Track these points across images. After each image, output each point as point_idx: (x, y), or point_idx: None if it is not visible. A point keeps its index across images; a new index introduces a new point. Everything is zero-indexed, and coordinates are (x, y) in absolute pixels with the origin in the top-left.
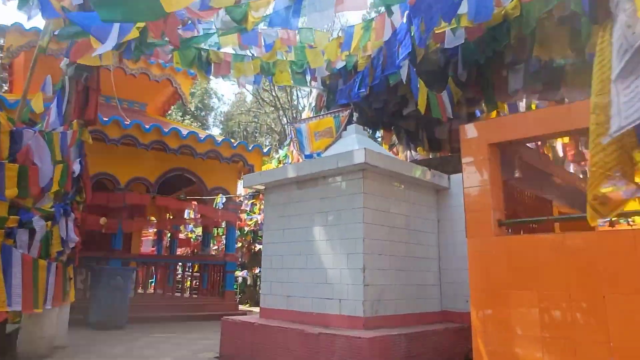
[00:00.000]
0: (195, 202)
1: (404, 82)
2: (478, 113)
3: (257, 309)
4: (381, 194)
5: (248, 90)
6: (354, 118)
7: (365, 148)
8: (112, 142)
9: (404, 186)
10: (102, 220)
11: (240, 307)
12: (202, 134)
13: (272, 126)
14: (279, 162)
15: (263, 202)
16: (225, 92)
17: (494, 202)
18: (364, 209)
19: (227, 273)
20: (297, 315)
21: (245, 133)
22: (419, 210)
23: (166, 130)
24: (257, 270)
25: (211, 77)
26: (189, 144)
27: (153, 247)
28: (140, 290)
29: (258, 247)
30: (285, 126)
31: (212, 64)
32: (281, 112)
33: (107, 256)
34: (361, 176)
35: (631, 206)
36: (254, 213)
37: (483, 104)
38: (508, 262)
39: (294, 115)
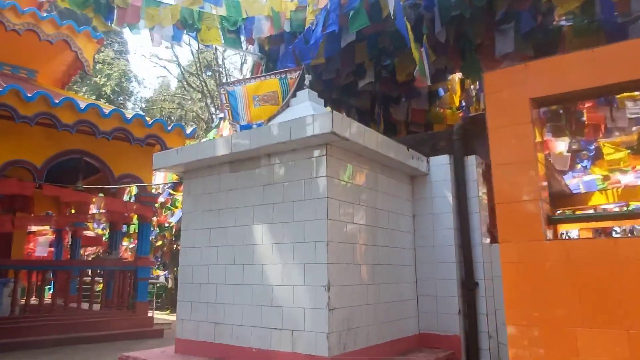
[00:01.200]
0: (98, 194)
1: (392, 16)
2: (441, 91)
3: (174, 317)
4: (349, 179)
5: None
6: (307, 82)
7: (332, 112)
8: None
9: (375, 170)
10: None
11: (159, 315)
12: (106, 109)
13: (199, 114)
14: None
15: (182, 192)
16: (147, 75)
17: (541, 188)
18: (328, 199)
19: (140, 280)
20: (230, 351)
21: (169, 122)
22: (393, 203)
23: (57, 100)
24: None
25: (114, 26)
26: (89, 119)
27: (51, 247)
28: (23, 304)
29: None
30: (214, 115)
31: (116, 9)
32: (209, 100)
33: None
34: (324, 153)
35: None
36: (176, 208)
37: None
38: (572, 281)
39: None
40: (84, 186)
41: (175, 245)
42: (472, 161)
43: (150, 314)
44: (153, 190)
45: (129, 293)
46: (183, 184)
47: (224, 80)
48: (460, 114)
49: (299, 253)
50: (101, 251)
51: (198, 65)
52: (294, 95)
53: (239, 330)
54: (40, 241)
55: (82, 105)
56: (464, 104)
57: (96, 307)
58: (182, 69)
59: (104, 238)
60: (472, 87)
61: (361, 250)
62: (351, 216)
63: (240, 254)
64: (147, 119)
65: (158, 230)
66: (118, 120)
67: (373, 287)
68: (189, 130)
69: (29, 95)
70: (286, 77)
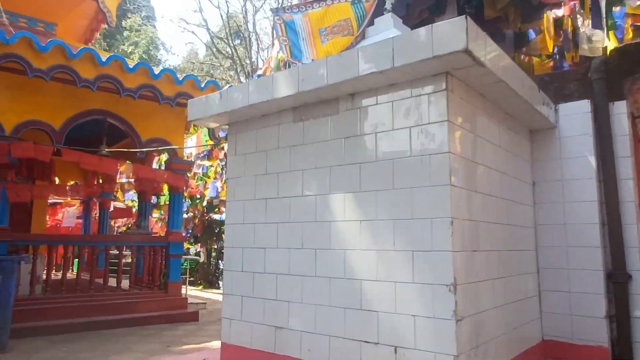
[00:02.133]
0: (125, 162)
1: None
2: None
3: (213, 294)
4: (472, 129)
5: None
6: (388, 5)
7: (466, 18)
8: None
9: (497, 119)
10: None
11: (192, 292)
12: (131, 63)
13: (229, 82)
14: None
15: (227, 151)
16: (175, 42)
17: None
18: (450, 155)
19: (172, 257)
20: None
21: None
22: (514, 165)
23: (75, 51)
24: (215, 246)
25: None
26: (112, 73)
27: (79, 219)
28: (44, 283)
29: (215, 217)
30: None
31: None
32: (239, 68)
33: None
34: (443, 87)
35: None
36: (209, 178)
37: None
38: None
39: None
40: (108, 150)
41: (207, 217)
42: (620, 108)
43: (183, 294)
44: (185, 157)
45: (160, 271)
46: (228, 141)
47: (253, 45)
48: (550, 64)
49: (403, 234)
50: (131, 223)
51: (228, 29)
52: (370, 23)
53: (310, 339)
54: (68, 212)
55: (104, 57)
56: (556, 50)
57: (124, 284)
58: (211, 34)
59: (133, 209)
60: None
61: (487, 231)
62: (476, 182)
63: (310, 234)
64: (178, 75)
65: (189, 202)
66: (144, 75)
67: (500, 283)
68: (226, 87)
69: (43, 44)
70: (360, 0)
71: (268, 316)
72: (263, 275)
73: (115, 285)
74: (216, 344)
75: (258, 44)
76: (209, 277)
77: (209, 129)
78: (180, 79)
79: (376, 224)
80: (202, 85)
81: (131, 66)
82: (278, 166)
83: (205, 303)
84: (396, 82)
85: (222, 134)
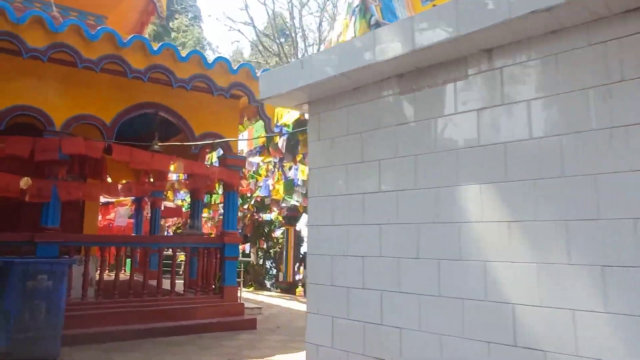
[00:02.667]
0: (176, 157)
1: None
2: None
3: (265, 296)
4: None
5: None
6: None
7: None
8: (33, 55)
9: None
10: (24, 181)
11: (243, 292)
12: (183, 52)
13: None
14: None
15: (308, 135)
16: (221, 42)
17: None
18: None
19: (227, 260)
20: None
21: None
22: None
23: (125, 40)
24: (264, 246)
25: None
26: (163, 63)
27: (131, 218)
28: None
29: (265, 216)
30: None
31: None
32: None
33: (33, 239)
34: None
35: None
36: (260, 176)
37: None
38: None
39: None
40: (160, 144)
41: (257, 217)
42: None
43: (240, 299)
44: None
45: (215, 274)
46: (309, 123)
47: (299, 44)
48: None
49: (584, 242)
50: (181, 222)
51: (274, 26)
52: None
53: None
54: (120, 212)
55: (155, 46)
56: None
57: (178, 287)
58: (257, 31)
59: (183, 209)
60: None
61: None
62: None
63: (430, 239)
64: (232, 63)
65: (240, 201)
66: (197, 64)
67: None
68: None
69: (92, 32)
70: None
71: (371, 346)
72: (362, 291)
73: (168, 288)
74: (280, 359)
75: (305, 40)
76: (259, 278)
77: (265, 121)
78: (235, 67)
79: (535, 226)
80: (258, 75)
81: (183, 55)
82: (379, 152)
83: (260, 308)
84: (564, 27)
85: (276, 129)
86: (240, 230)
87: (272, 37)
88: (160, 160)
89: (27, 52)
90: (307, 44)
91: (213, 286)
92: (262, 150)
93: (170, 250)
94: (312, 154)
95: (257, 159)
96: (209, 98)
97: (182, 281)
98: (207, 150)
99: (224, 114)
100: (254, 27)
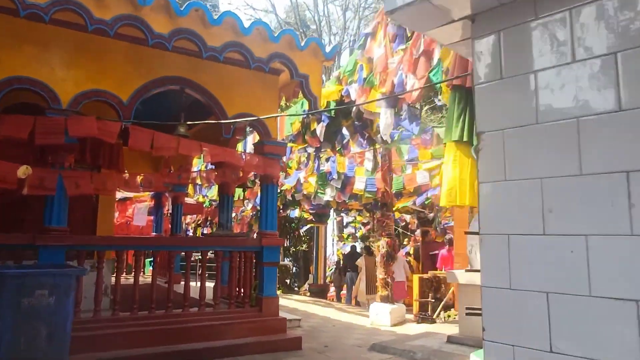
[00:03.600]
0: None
1: None
2: None
3: (295, 302)
4: None
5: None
6: None
7: None
8: (31, 15)
9: None
10: (22, 170)
11: None
12: (214, 13)
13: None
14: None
15: (474, 76)
16: None
17: None
18: None
19: (265, 266)
20: None
21: None
22: None
23: None
24: (293, 247)
25: None
26: (191, 28)
27: (150, 215)
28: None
29: (288, 213)
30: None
31: None
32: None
33: (34, 242)
34: None
35: None
36: (291, 169)
37: None
38: None
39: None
40: (190, 122)
41: (284, 214)
42: None
43: (280, 313)
44: (289, 131)
45: (251, 283)
46: (475, 52)
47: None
48: None
49: None
50: (201, 220)
51: (297, 13)
52: None
53: None
54: (139, 209)
55: (181, 6)
56: None
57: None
58: (279, 20)
59: (204, 206)
60: None
61: None
62: None
63: None
64: (272, 29)
65: None
66: (231, 29)
67: None
68: (328, 48)
69: None
70: None
71: None
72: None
73: (197, 297)
74: None
75: (329, 27)
76: (285, 280)
77: (310, 100)
78: (276, 34)
79: None
80: (302, 44)
81: (215, 17)
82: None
83: (299, 320)
84: None
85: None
86: None
87: (295, 26)
88: (188, 146)
89: (24, 9)
90: (331, 32)
91: (249, 298)
92: (296, 138)
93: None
94: (485, 106)
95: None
96: (244, 73)
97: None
98: (238, 138)
99: (262, 92)
100: (276, 14)
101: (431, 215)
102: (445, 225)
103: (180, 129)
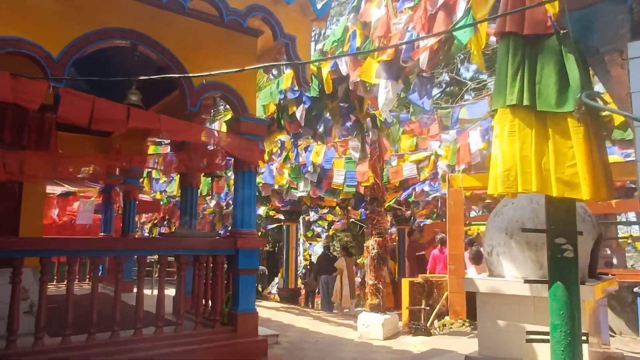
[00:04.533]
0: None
1: None
2: None
3: (264, 308)
4: None
5: None
6: None
7: None
8: None
9: None
10: None
11: None
12: None
13: None
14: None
15: None
16: None
17: None
18: None
19: (241, 274)
20: None
21: None
22: None
23: None
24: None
25: None
26: None
27: (99, 213)
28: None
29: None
30: None
31: None
32: None
33: None
34: None
35: None
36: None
37: None
38: None
39: None
40: (141, 78)
41: None
42: None
43: (259, 331)
44: (261, 114)
45: (223, 296)
46: None
47: None
48: None
49: None
50: (157, 219)
51: None
52: None
53: None
54: (84, 205)
55: None
56: None
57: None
58: None
59: (162, 203)
60: None
61: None
62: None
63: None
64: None
65: (227, 190)
66: None
67: None
68: (319, 4)
69: None
70: None
71: None
72: None
73: (154, 312)
74: None
75: None
76: (257, 284)
77: (297, 69)
78: None
79: None
80: None
81: None
82: None
83: (277, 335)
84: None
85: (292, 95)
86: (229, 228)
87: None
88: (141, 118)
89: None
90: None
91: (220, 314)
92: (271, 123)
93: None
94: None
95: None
96: (215, 31)
97: (174, 303)
98: (204, 117)
99: (236, 57)
100: None
101: (408, 212)
102: (422, 224)
103: (132, 98)
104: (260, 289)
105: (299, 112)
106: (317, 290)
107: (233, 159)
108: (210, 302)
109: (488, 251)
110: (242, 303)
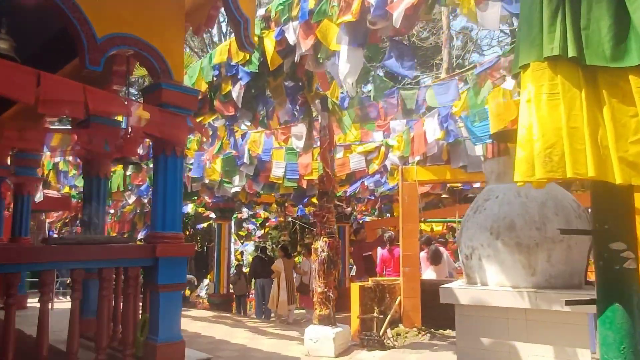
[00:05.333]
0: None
1: None
2: None
3: (190, 319)
4: None
5: None
6: None
7: None
8: None
9: None
10: None
11: None
12: None
13: None
14: None
15: None
16: None
17: None
18: None
19: (162, 291)
20: None
21: None
22: None
23: None
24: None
25: None
26: None
27: None
28: None
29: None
30: None
31: None
32: None
33: None
34: None
35: None
36: (189, 150)
37: None
38: None
39: None
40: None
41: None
42: None
43: (186, 354)
44: (189, 82)
45: (136, 320)
46: None
47: None
48: None
49: None
50: (69, 218)
51: None
52: None
53: None
54: None
55: None
56: None
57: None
58: None
59: (72, 198)
60: None
61: None
62: None
63: None
64: None
65: (148, 184)
66: None
67: None
68: None
69: None
70: None
71: None
72: None
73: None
74: None
75: None
76: (188, 297)
77: (240, 24)
78: None
79: None
80: None
81: None
82: None
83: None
84: None
85: (229, 69)
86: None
87: None
88: (22, 77)
89: None
90: None
91: (133, 345)
92: (202, 106)
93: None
94: None
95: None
96: None
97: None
98: (117, 89)
99: (157, 8)
100: None
101: (349, 209)
102: (361, 221)
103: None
104: (187, 292)
105: (236, 91)
106: (247, 294)
107: (152, 141)
108: (120, 328)
109: (466, 254)
110: (164, 330)
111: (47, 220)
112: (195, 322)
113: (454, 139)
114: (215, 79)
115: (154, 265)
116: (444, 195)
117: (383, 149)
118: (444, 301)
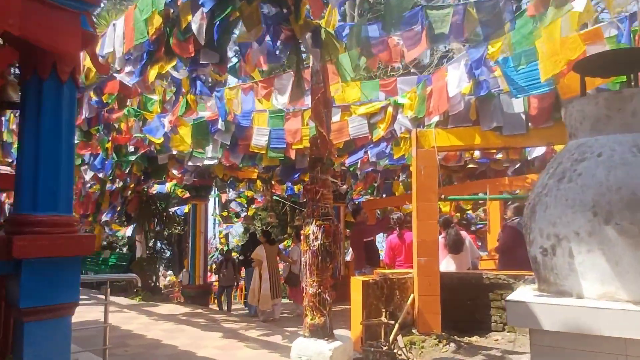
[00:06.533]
0: None
1: None
2: None
3: (150, 320)
4: None
5: None
6: None
7: None
8: None
9: None
10: None
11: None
12: None
13: None
14: None
15: None
16: None
17: None
18: None
19: (29, 320)
20: None
21: None
22: None
23: None
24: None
25: None
26: None
27: None
28: None
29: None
30: None
31: None
32: None
33: None
34: None
35: None
36: (151, 113)
37: None
38: None
39: None
40: None
41: (145, 187)
42: None
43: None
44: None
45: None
46: None
47: None
48: None
49: None
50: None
51: None
52: None
53: None
54: None
55: None
56: None
57: None
58: None
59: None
60: None
61: None
62: None
63: None
64: None
65: (114, 159)
66: None
67: None
68: None
69: None
70: None
71: None
72: None
73: None
74: None
75: None
76: (149, 282)
77: None
78: None
79: None
80: None
81: None
82: None
83: None
84: None
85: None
86: (119, 208)
87: None
88: None
89: None
90: None
91: None
92: (156, 46)
93: None
94: None
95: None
96: None
97: None
98: None
99: None
100: None
101: (344, 187)
102: (358, 202)
103: None
104: (154, 282)
105: (196, 22)
106: (235, 285)
107: (17, 56)
108: None
109: (545, 247)
110: None
111: (6, 202)
112: (159, 324)
113: (486, 92)
114: (172, 13)
115: (15, 273)
116: (470, 165)
117: (390, 109)
118: (514, 324)
